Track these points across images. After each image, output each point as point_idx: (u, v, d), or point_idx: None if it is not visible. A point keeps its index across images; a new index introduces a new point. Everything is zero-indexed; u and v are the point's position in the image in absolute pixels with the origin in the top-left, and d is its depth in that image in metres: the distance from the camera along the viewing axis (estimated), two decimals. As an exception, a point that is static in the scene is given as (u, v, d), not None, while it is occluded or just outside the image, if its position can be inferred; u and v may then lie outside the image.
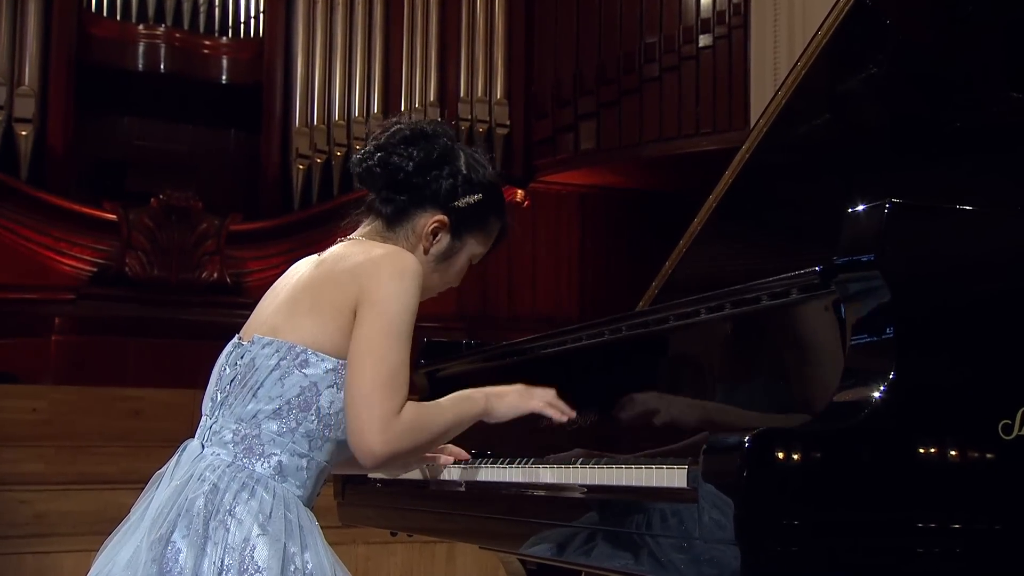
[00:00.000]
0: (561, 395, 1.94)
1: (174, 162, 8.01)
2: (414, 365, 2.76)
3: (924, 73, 2.30)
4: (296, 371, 1.67)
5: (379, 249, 1.75)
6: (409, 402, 1.68)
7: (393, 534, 2.64)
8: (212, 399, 1.74)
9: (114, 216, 7.16)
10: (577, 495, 1.72)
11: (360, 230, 1.84)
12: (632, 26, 7.94)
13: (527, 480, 1.86)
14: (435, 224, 1.81)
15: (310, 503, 1.73)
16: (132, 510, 1.71)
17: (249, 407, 1.68)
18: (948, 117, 2.19)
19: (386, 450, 1.64)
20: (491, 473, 1.95)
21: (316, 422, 1.68)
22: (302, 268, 1.83)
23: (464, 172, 1.82)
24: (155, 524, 1.62)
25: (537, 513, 1.82)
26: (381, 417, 1.62)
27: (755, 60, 6.93)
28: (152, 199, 7.19)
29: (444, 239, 1.83)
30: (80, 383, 6.26)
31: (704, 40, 7.53)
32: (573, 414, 1.90)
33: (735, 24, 7.33)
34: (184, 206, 7.18)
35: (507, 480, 1.90)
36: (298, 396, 1.67)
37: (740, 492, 1.35)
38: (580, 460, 1.76)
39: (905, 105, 2.33)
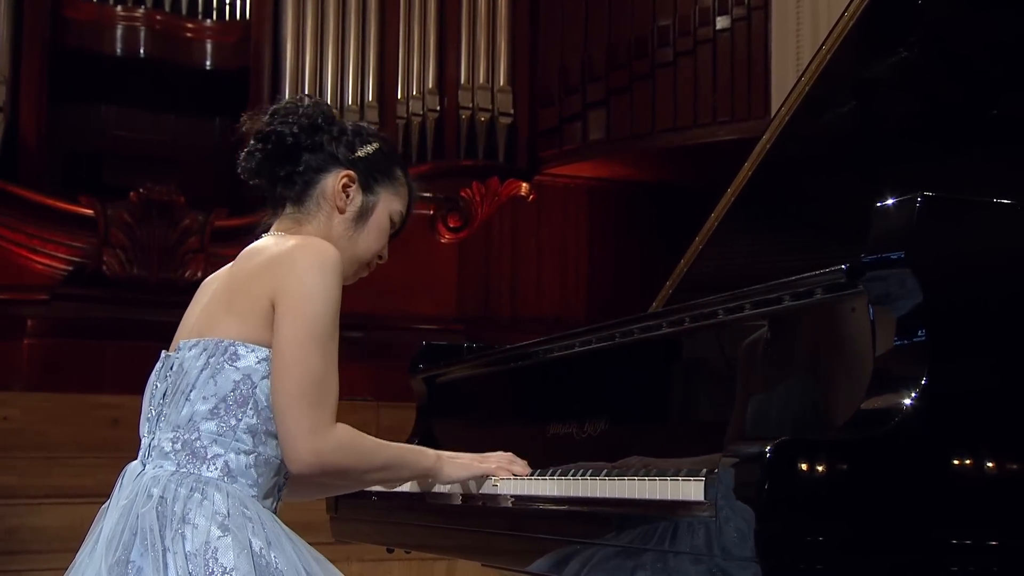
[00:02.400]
0: (566, 404, 1.95)
1: (155, 153, 8.02)
2: (412, 370, 2.77)
3: (958, 57, 2.29)
4: (227, 365, 1.70)
5: (293, 240, 1.78)
6: (348, 426, 1.72)
7: (389, 551, 2.64)
8: (148, 419, 1.78)
9: (91, 211, 7.16)
10: (586, 509, 1.72)
11: (274, 226, 1.88)
12: (644, 7, 7.94)
13: (533, 493, 1.86)
14: (344, 180, 1.86)
15: (271, 506, 1.74)
16: (83, 545, 1.72)
17: (184, 411, 1.71)
18: (983, 104, 2.18)
19: (315, 460, 1.68)
20: (495, 485, 1.95)
21: (255, 416, 1.70)
22: (220, 273, 1.88)
23: (351, 127, 1.91)
24: (110, 549, 1.64)
25: (545, 528, 1.82)
26: (310, 425, 1.66)
27: (776, 44, 6.92)
28: (131, 193, 7.18)
29: (357, 195, 1.88)
30: (54, 390, 6.26)
31: (721, 22, 7.52)
32: (527, 472, 1.94)
33: (755, 5, 7.32)
34: (165, 200, 7.18)
35: (512, 493, 1.90)
36: (233, 391, 1.70)
37: (761, 506, 1.35)
38: (590, 472, 1.76)
39: (937, 92, 2.33)
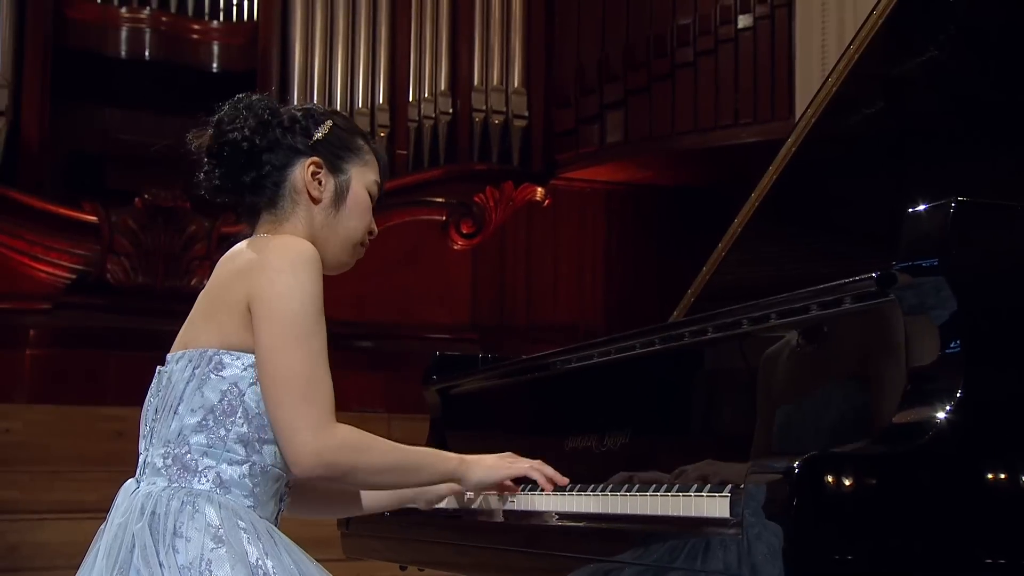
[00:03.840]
0: (585, 416, 1.94)
1: (160, 157, 8.05)
2: (425, 381, 2.77)
3: (992, 55, 2.28)
4: (212, 375, 1.71)
5: (267, 243, 1.78)
6: (354, 427, 1.71)
7: (403, 568, 2.64)
8: (143, 436, 1.79)
9: (94, 217, 7.19)
10: (607, 526, 1.71)
11: (256, 229, 1.88)
12: (664, 5, 7.94)
13: (552, 509, 1.86)
14: (311, 167, 1.85)
15: (271, 515, 1.74)
16: (83, 563, 1.74)
17: (173, 426, 1.72)
18: (1018, 104, 2.17)
19: (317, 460, 1.66)
20: (512, 500, 1.95)
21: (246, 425, 1.70)
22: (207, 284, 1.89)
23: (300, 112, 1.88)
24: (107, 568, 1.65)
25: (564, 545, 1.82)
26: (307, 426, 1.65)
27: (800, 43, 6.90)
28: (136, 198, 7.22)
29: (328, 180, 1.86)
30: (57, 401, 6.29)
31: (744, 21, 7.52)
32: (565, 481, 1.91)
33: (778, 3, 7.32)
34: (171, 206, 7.22)
35: (530, 508, 1.90)
36: (220, 401, 1.70)
37: (789, 523, 1.35)
38: (610, 487, 1.76)
39: (971, 91, 2.32)
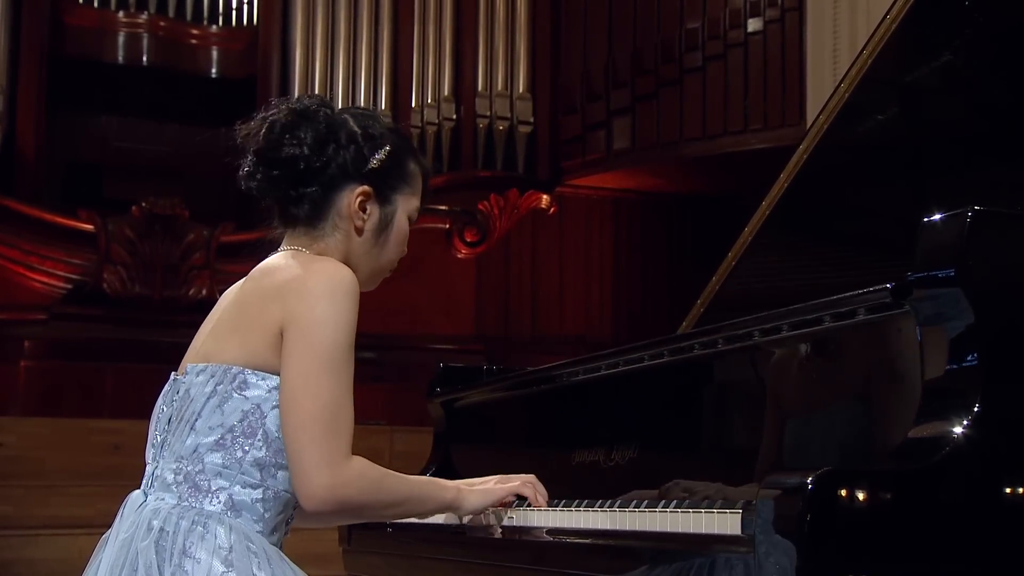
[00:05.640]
0: (592, 430, 1.93)
1: (158, 165, 8.08)
2: (428, 393, 2.77)
3: (1009, 60, 2.28)
4: (235, 394, 1.69)
5: (307, 263, 1.76)
6: (363, 458, 1.70)
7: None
8: (153, 444, 1.77)
9: (91, 226, 7.21)
10: (615, 542, 1.71)
11: (286, 241, 1.86)
12: (671, 10, 7.95)
13: (560, 525, 1.85)
14: (360, 198, 1.82)
15: (277, 540, 1.74)
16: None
17: (188, 441, 1.70)
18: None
19: (330, 495, 1.65)
20: (518, 516, 1.94)
21: (264, 448, 1.68)
22: (232, 291, 1.86)
23: (360, 131, 1.84)
24: None
25: (571, 562, 1.81)
26: (325, 458, 1.64)
27: (812, 47, 6.91)
28: (133, 207, 7.23)
29: (374, 211, 1.84)
30: (52, 414, 6.30)
31: (753, 25, 7.52)
32: (543, 502, 1.92)
33: (789, 7, 7.32)
34: (169, 214, 7.23)
35: (536, 524, 1.89)
36: (240, 422, 1.68)
37: (802, 540, 1.34)
38: (619, 503, 1.75)
39: (987, 98, 2.32)
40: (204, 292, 7.12)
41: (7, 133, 7.33)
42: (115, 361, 6.90)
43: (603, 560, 1.74)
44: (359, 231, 1.83)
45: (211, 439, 1.68)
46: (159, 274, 7.19)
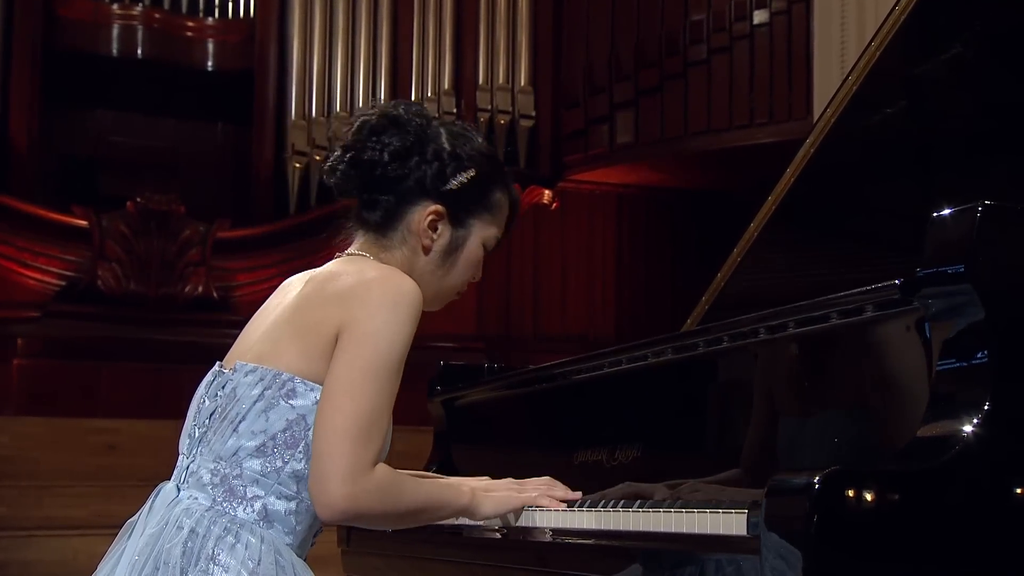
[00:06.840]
0: (595, 429, 1.93)
1: (153, 160, 8.08)
2: (429, 392, 2.77)
3: (1019, 54, 2.28)
4: (282, 402, 1.68)
5: (373, 271, 1.75)
6: (385, 466, 1.68)
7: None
8: (190, 435, 1.75)
9: (85, 222, 7.21)
10: (619, 543, 1.71)
11: (355, 244, 1.85)
12: (676, 1, 7.95)
13: (563, 525, 1.85)
14: (431, 216, 1.81)
15: (302, 553, 1.73)
16: (100, 565, 1.72)
17: (229, 443, 1.69)
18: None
19: (349, 505, 1.63)
20: (520, 517, 1.94)
21: (304, 461, 1.68)
22: (292, 287, 1.84)
23: (448, 149, 1.83)
24: None
25: (575, 564, 1.81)
26: (350, 467, 1.62)
27: (819, 39, 6.91)
28: (128, 203, 7.24)
29: (445, 232, 1.83)
30: (46, 414, 6.30)
31: (759, 16, 7.52)
32: (578, 496, 1.89)
33: (795, -2, 7.32)
34: (164, 211, 7.23)
35: (539, 525, 1.89)
36: (284, 431, 1.67)
37: (809, 542, 1.34)
38: (622, 503, 1.75)
39: (997, 91, 2.31)
40: (200, 289, 7.12)
41: None
42: (110, 359, 6.91)
43: (607, 561, 1.74)
44: (426, 250, 1.82)
45: (253, 444, 1.68)
46: (154, 271, 7.19)
